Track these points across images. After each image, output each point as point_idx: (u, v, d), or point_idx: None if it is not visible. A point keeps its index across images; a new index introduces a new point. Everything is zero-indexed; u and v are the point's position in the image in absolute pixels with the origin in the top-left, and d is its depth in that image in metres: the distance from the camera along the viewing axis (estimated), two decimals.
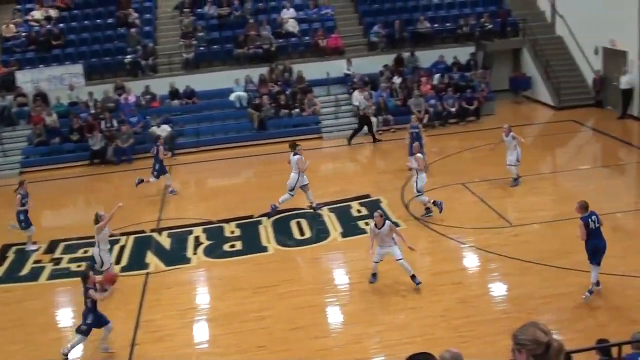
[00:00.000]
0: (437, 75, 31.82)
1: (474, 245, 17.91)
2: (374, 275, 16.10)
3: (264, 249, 18.62)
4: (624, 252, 16.84)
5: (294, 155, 20.64)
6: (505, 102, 32.80)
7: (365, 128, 28.75)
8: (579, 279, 15.48)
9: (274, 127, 29.81)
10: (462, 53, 33.12)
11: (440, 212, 19.54)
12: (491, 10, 34.47)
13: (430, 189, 20.84)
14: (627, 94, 29.01)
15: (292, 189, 20.57)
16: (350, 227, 19.61)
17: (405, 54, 32.56)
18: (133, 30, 32.48)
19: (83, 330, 13.76)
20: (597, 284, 14.59)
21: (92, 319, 13.72)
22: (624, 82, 28.80)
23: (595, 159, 25.50)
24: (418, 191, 19.67)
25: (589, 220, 14.28)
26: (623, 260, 16.41)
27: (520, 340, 4.72)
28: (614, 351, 10.20)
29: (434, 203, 19.63)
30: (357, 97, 30.01)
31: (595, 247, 14.38)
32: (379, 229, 15.55)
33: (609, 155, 25.84)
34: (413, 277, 15.60)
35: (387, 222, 15.82)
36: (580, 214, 14.37)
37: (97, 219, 16.33)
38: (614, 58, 30.21)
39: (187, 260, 18.24)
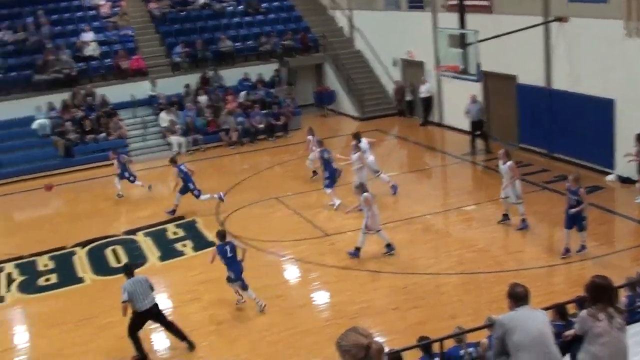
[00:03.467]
0: (242, 93, 32.07)
1: (292, 257, 18.21)
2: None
3: (80, 280, 18.01)
4: (435, 252, 17.66)
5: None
6: (312, 116, 33.47)
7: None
8: (392, 281, 16.17)
9: (81, 153, 28.86)
10: (266, 70, 33.60)
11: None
12: (291, 28, 35.18)
13: (246, 205, 21.02)
14: (427, 102, 30.42)
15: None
16: (168, 250, 19.39)
17: (210, 73, 32.61)
18: None
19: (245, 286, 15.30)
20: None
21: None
22: (424, 90, 30.17)
23: (401, 165, 26.42)
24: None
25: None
26: (435, 260, 17.23)
27: (343, 347, 4.95)
28: (436, 347, 10.57)
29: None
30: (164, 117, 29.76)
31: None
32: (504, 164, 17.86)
33: (414, 160, 26.92)
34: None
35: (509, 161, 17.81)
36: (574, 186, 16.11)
37: None
38: (413, 68, 31.60)
39: (0, 299, 17.33)
